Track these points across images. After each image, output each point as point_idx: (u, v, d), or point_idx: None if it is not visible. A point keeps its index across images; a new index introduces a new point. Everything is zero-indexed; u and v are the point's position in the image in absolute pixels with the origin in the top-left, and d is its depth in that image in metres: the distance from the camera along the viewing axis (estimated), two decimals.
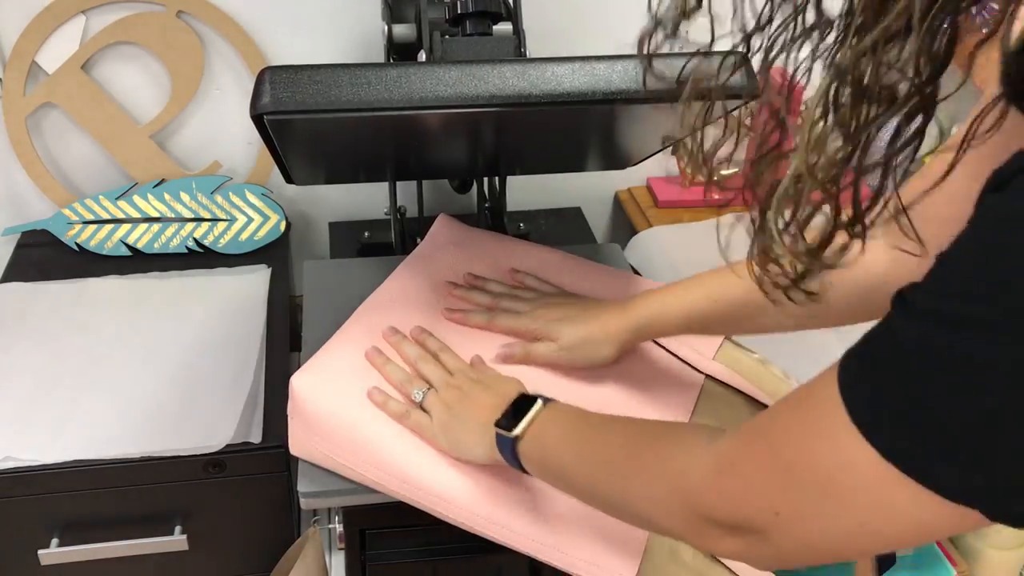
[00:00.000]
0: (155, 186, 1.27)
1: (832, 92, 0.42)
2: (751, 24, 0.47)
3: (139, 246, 1.25)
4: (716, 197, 1.40)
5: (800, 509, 0.44)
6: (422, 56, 0.90)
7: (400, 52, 1.00)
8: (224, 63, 1.25)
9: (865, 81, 0.41)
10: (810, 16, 0.44)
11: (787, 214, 0.46)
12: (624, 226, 1.44)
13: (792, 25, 0.45)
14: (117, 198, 1.26)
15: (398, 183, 1.12)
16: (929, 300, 0.39)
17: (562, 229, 1.34)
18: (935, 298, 0.39)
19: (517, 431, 0.67)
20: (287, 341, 1.11)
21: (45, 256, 1.25)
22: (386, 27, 0.99)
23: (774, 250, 0.47)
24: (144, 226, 1.26)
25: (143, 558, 0.99)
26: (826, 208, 0.45)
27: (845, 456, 0.41)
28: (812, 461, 0.43)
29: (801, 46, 0.45)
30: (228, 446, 0.94)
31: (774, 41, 0.46)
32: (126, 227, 1.26)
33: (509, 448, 0.68)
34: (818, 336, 1.03)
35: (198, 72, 1.24)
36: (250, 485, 0.97)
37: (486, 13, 0.85)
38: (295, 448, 0.81)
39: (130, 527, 0.97)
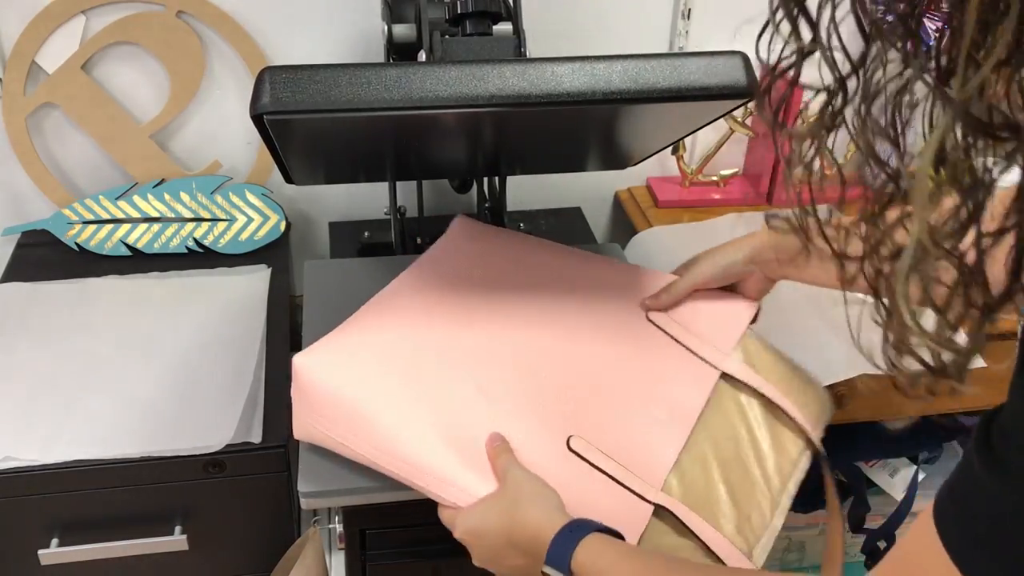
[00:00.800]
0: (155, 186, 1.27)
1: (948, 136, 0.36)
2: (844, 65, 0.43)
3: (139, 246, 1.25)
4: (716, 197, 1.40)
5: None
6: (422, 56, 0.90)
7: (400, 52, 1.00)
8: (224, 63, 1.25)
9: (987, 117, 0.35)
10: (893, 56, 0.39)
11: (917, 294, 0.39)
12: (624, 226, 1.44)
13: (885, 64, 0.40)
14: (117, 198, 1.27)
15: (398, 183, 1.12)
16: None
17: (562, 229, 1.34)
18: None
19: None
20: (287, 341, 1.11)
21: (45, 256, 1.25)
22: (386, 27, 0.99)
23: (909, 339, 0.41)
24: (144, 226, 1.26)
25: (143, 558, 0.99)
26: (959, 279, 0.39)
27: None
28: None
29: (902, 87, 0.40)
30: (228, 446, 0.94)
31: (868, 83, 0.41)
32: (126, 227, 1.26)
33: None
34: (817, 335, 1.03)
35: (198, 72, 1.24)
36: (250, 485, 0.97)
37: (486, 13, 0.85)
38: (298, 432, 0.81)
39: (130, 527, 0.97)
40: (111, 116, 1.25)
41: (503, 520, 0.70)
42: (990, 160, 0.36)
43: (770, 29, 0.44)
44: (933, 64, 0.38)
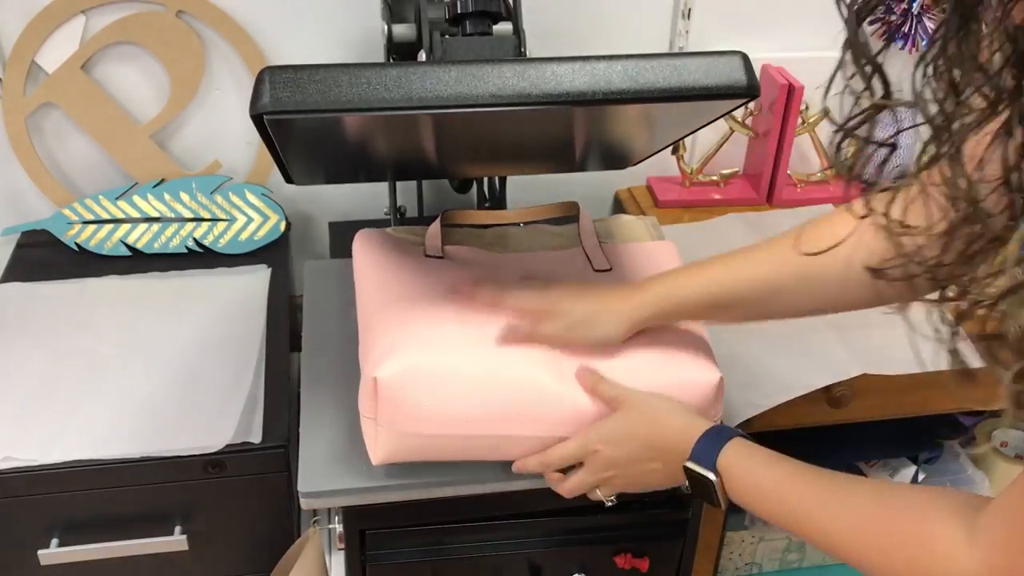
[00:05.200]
0: (155, 186, 1.27)
1: None
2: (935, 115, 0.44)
3: (139, 246, 1.25)
4: (716, 197, 1.40)
5: None
6: (422, 56, 0.90)
7: (400, 52, 1.01)
8: (224, 63, 1.25)
9: None
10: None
11: None
12: None
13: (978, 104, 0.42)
14: (117, 198, 1.26)
15: (398, 183, 1.12)
16: None
17: None
18: None
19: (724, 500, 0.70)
20: (287, 341, 1.11)
21: (45, 256, 1.25)
22: (386, 27, 0.99)
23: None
24: (144, 226, 1.26)
25: (143, 558, 0.99)
26: None
27: None
28: None
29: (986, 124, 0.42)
30: (228, 446, 0.94)
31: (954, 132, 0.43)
32: (126, 227, 1.26)
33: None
34: (817, 335, 1.03)
35: (198, 72, 1.24)
36: (250, 485, 0.97)
37: (486, 13, 0.85)
38: (382, 453, 0.79)
39: (130, 527, 0.97)
40: (111, 116, 1.24)
41: (644, 426, 0.74)
42: None
43: (839, 84, 0.46)
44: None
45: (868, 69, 0.45)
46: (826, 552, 0.62)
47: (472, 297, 0.84)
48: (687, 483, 0.73)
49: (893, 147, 0.47)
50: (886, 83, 0.45)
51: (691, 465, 0.71)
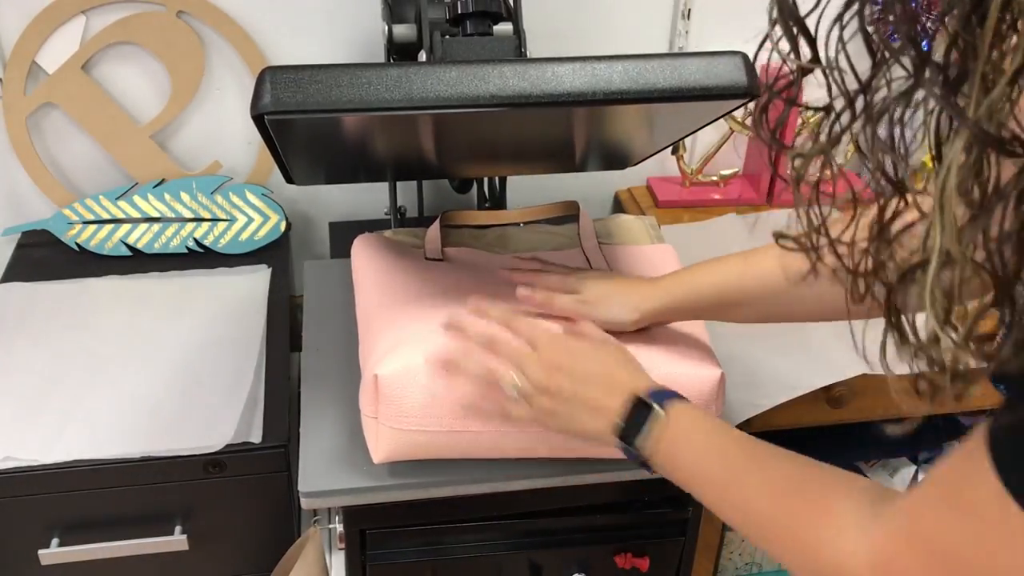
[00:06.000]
0: (155, 186, 1.27)
1: (969, 153, 0.36)
2: (852, 83, 0.42)
3: (139, 246, 1.25)
4: (716, 197, 1.40)
5: None
6: (422, 56, 0.90)
7: (400, 52, 1.01)
8: (224, 63, 1.25)
9: (999, 132, 0.35)
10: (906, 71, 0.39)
11: (942, 304, 0.40)
12: None
13: (892, 81, 0.40)
14: (117, 198, 1.27)
15: (398, 183, 1.12)
16: None
17: None
18: None
19: (644, 450, 0.67)
20: (287, 341, 1.11)
21: (45, 256, 1.25)
22: (386, 27, 0.99)
23: (936, 351, 0.42)
24: (144, 226, 1.26)
25: (143, 558, 0.99)
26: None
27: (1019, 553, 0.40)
28: (983, 564, 0.42)
29: (907, 103, 0.40)
30: (228, 446, 0.94)
31: (874, 100, 0.41)
32: (126, 227, 1.26)
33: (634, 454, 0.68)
34: (817, 335, 1.03)
35: (198, 72, 1.24)
36: (250, 485, 0.97)
37: (486, 13, 0.85)
38: (384, 452, 0.79)
39: (130, 527, 0.97)
40: (111, 116, 1.25)
41: (612, 355, 0.73)
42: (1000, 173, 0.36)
43: (768, 46, 0.44)
44: (941, 79, 0.38)
45: (795, 30, 0.43)
46: (736, 523, 0.62)
47: (507, 277, 0.87)
48: (618, 424, 0.69)
49: (826, 111, 0.45)
50: (813, 46, 0.44)
51: (643, 396, 0.68)
